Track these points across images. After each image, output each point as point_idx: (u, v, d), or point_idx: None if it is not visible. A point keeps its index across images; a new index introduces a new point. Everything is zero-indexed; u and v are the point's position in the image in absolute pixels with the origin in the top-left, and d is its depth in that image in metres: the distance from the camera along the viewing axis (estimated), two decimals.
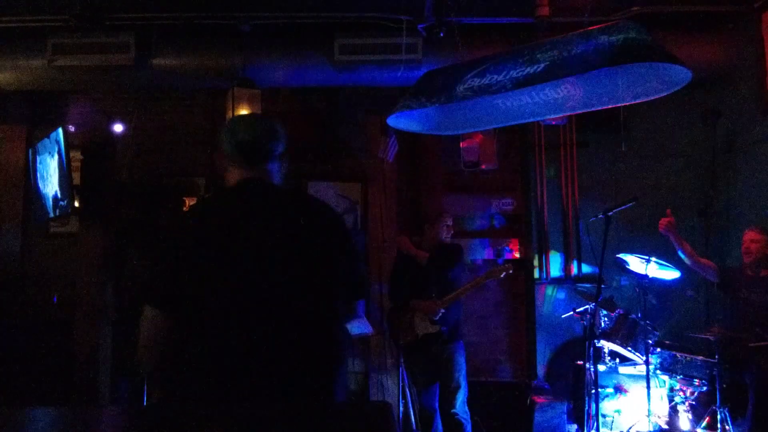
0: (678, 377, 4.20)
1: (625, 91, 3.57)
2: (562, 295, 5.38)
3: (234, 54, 4.81)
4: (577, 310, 4.57)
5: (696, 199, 5.19)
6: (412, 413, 4.74)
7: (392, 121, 4.18)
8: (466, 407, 4.19)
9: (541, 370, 5.35)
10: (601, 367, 4.44)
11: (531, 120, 4.49)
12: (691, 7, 4.67)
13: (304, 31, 4.89)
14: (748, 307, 4.11)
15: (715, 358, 3.93)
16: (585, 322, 4.38)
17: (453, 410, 4.12)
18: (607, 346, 4.54)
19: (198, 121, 5.77)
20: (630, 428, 4.24)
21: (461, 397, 4.16)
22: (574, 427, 4.69)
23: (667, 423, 4.24)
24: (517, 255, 5.65)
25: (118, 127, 5.30)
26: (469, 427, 4.17)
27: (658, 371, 4.29)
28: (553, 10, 4.40)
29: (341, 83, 5.04)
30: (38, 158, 5.26)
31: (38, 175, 5.29)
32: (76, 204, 5.01)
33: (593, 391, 3.94)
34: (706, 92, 5.12)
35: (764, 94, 4.54)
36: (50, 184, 5.05)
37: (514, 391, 5.00)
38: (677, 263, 4.42)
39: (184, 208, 5.40)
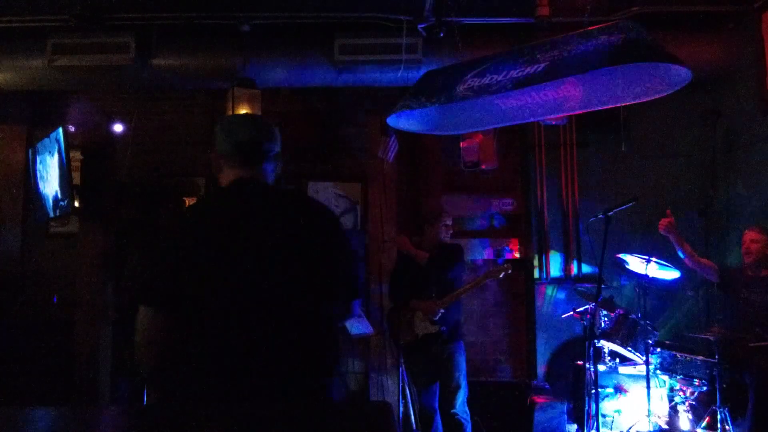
0: (678, 377, 4.20)
1: (625, 91, 3.57)
2: (562, 295, 5.37)
3: (234, 54, 4.81)
4: (577, 310, 4.57)
5: (696, 199, 5.18)
6: (412, 413, 4.74)
7: (392, 121, 4.18)
8: (466, 407, 4.19)
9: (541, 370, 5.35)
10: (601, 367, 4.44)
11: (531, 120, 4.51)
12: (691, 7, 4.67)
13: (304, 31, 4.89)
14: (748, 307, 4.11)
15: (715, 358, 3.92)
16: (585, 322, 4.37)
17: (453, 410, 4.12)
18: (607, 346, 4.54)
19: (198, 121, 5.76)
20: (630, 428, 4.23)
21: (461, 397, 4.16)
22: (574, 427, 4.69)
23: (667, 423, 4.23)
24: (517, 255, 5.65)
25: (118, 127, 5.29)
26: (469, 427, 4.17)
27: (658, 371, 4.28)
28: (553, 10, 4.39)
29: (341, 83, 5.04)
30: (38, 158, 5.25)
31: (38, 175, 5.28)
32: (76, 204, 4.99)
33: (593, 391, 3.93)
34: (706, 92, 5.12)
35: (764, 94, 4.54)
36: (50, 184, 5.04)
37: (514, 391, 5.00)
38: (677, 263, 4.42)
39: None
